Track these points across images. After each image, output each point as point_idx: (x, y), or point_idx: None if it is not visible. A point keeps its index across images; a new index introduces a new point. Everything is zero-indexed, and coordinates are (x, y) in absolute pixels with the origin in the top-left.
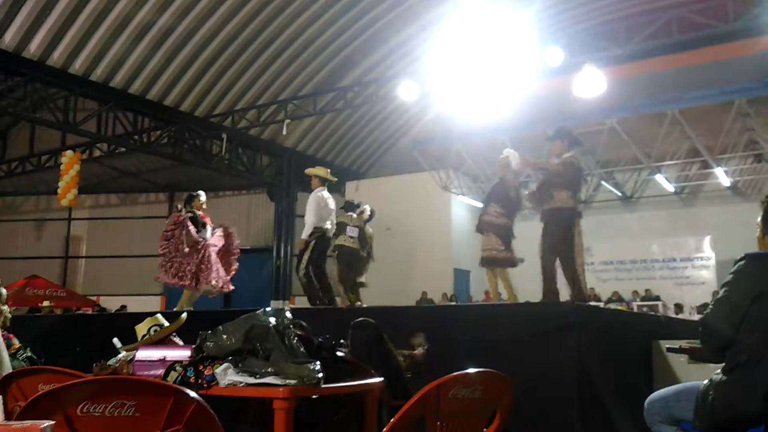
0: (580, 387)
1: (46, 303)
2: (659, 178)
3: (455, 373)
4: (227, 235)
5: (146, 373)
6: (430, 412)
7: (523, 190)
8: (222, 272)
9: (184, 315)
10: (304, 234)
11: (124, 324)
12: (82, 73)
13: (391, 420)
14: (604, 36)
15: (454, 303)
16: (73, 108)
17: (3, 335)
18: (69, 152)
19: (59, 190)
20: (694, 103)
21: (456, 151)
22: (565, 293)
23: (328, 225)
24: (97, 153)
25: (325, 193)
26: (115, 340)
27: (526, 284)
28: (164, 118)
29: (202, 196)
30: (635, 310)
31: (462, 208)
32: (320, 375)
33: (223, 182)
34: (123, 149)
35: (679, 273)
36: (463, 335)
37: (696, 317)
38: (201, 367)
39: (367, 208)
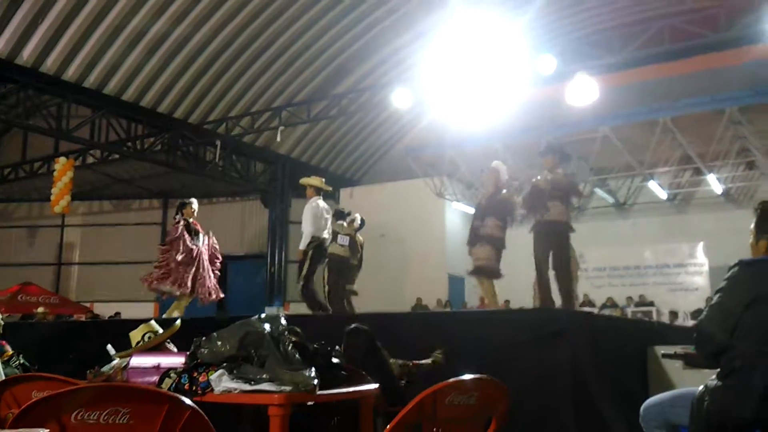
0: (575, 393)
1: (40, 309)
2: (652, 184)
3: (451, 380)
4: (210, 242)
5: (140, 380)
6: (426, 418)
7: (516, 196)
8: (214, 280)
9: (178, 322)
10: (302, 245)
11: (118, 331)
12: (75, 79)
13: (387, 427)
14: (597, 44)
15: (449, 309)
16: (66, 115)
17: None
18: (62, 159)
19: (52, 197)
20: (686, 110)
21: (450, 158)
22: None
23: (325, 234)
24: (90, 160)
25: (321, 203)
26: (109, 347)
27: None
28: (158, 124)
29: (194, 203)
30: (630, 316)
31: (456, 214)
32: (316, 382)
33: (217, 189)
34: (116, 156)
35: (673, 279)
36: (458, 342)
37: (690, 323)
38: (195, 374)
39: (358, 216)
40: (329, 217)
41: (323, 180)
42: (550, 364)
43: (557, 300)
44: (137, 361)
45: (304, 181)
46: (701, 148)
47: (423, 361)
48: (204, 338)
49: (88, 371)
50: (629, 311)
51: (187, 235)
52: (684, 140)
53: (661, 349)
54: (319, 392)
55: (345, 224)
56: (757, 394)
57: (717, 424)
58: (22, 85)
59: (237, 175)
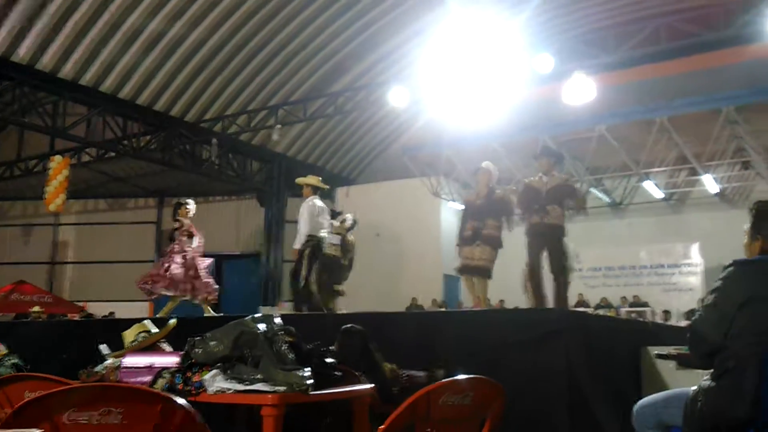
0: (569, 393)
1: (36, 308)
2: (648, 184)
3: (445, 380)
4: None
5: (133, 380)
6: (419, 419)
7: (512, 195)
8: (209, 281)
9: (173, 321)
10: (297, 243)
11: (112, 330)
12: (71, 77)
13: (380, 427)
14: (593, 43)
15: (444, 309)
16: (62, 112)
17: None
18: (57, 157)
19: (47, 195)
20: (682, 110)
21: (446, 157)
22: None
23: (322, 233)
24: (86, 158)
25: (318, 202)
26: (103, 347)
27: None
28: (154, 123)
29: (191, 204)
30: (624, 316)
31: (452, 214)
32: (310, 382)
33: (213, 187)
34: (112, 154)
35: (667, 279)
36: (452, 341)
37: (684, 323)
38: (189, 374)
39: (349, 216)
40: (327, 216)
41: (320, 179)
42: (544, 364)
43: (550, 301)
44: (130, 360)
45: (300, 180)
46: (697, 147)
47: (418, 374)
48: (198, 338)
49: (80, 371)
50: (623, 311)
51: (185, 238)
52: (680, 140)
53: (654, 350)
54: (313, 392)
55: (337, 223)
56: (750, 394)
57: (710, 425)
58: (17, 82)
59: (233, 173)
